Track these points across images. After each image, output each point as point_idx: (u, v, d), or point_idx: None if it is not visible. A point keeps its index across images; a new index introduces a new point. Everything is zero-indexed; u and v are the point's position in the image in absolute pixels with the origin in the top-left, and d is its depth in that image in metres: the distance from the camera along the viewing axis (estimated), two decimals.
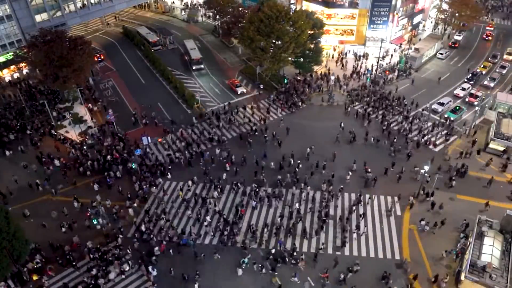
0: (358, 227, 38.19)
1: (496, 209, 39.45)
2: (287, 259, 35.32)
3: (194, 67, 64.95)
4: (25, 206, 40.69)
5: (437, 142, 49.09)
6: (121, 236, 37.69)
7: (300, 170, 44.68)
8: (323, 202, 41.11)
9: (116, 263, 35.07)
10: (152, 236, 37.65)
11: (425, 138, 49.43)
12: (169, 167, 45.70)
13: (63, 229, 38.08)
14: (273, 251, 36.00)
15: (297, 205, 40.54)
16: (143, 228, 38.20)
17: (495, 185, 42.84)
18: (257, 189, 42.18)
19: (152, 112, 54.44)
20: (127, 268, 34.91)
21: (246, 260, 35.02)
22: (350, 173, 43.94)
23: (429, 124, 51.81)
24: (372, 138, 48.86)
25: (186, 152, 47.87)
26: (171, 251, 36.42)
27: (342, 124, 51.37)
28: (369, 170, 43.83)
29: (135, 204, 41.14)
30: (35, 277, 34.43)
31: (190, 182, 43.82)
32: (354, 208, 40.65)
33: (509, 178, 43.71)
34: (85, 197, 41.97)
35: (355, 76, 62.44)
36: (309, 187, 42.70)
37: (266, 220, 39.71)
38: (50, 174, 44.58)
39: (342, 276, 33.65)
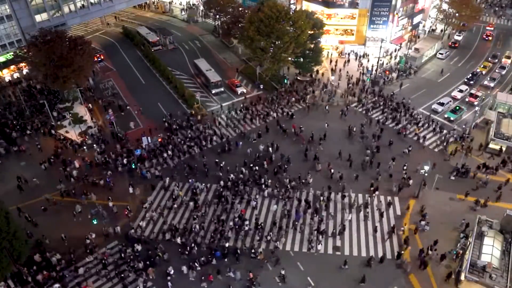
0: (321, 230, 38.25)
1: (496, 209, 39.42)
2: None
3: (213, 91, 58.91)
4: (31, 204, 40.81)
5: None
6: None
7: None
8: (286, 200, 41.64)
9: (150, 270, 34.18)
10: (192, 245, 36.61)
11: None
12: (204, 157, 45.95)
13: (88, 241, 36.97)
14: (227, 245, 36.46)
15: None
16: (179, 240, 37.28)
17: (493, 184, 42.81)
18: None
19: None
20: (172, 271, 34.12)
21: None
22: (310, 174, 43.89)
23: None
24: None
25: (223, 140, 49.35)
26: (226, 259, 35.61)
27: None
28: (332, 170, 44.18)
29: (175, 205, 41.09)
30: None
31: (222, 182, 43.11)
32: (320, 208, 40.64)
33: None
34: (121, 199, 42.02)
35: (356, 81, 61.36)
36: (268, 185, 42.96)
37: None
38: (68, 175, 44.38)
39: (283, 271, 33.85)
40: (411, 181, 42.85)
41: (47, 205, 40.84)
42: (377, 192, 42.06)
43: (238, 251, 35.98)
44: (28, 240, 34.71)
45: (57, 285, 33.19)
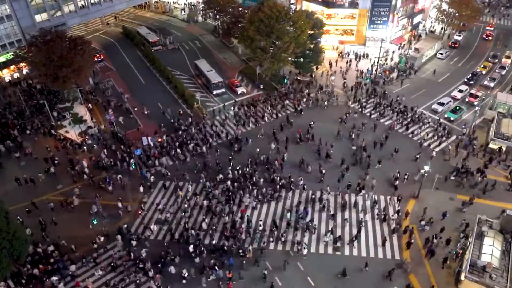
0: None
1: (496, 209, 39.43)
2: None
3: (214, 92, 58.75)
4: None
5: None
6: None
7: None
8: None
9: (157, 277, 33.57)
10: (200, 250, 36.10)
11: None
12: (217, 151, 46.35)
13: (95, 245, 36.54)
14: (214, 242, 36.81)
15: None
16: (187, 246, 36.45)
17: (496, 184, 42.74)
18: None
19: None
20: (186, 274, 33.66)
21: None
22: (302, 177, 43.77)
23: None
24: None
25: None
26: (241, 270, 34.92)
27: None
28: (324, 171, 43.92)
29: (186, 205, 40.83)
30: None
31: (229, 182, 42.87)
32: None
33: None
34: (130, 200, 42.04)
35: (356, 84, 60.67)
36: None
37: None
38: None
39: (265, 272, 33.80)
40: (397, 182, 42.83)
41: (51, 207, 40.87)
42: (363, 191, 42.11)
43: (225, 248, 36.11)
44: (28, 240, 34.67)
45: (54, 278, 33.25)
